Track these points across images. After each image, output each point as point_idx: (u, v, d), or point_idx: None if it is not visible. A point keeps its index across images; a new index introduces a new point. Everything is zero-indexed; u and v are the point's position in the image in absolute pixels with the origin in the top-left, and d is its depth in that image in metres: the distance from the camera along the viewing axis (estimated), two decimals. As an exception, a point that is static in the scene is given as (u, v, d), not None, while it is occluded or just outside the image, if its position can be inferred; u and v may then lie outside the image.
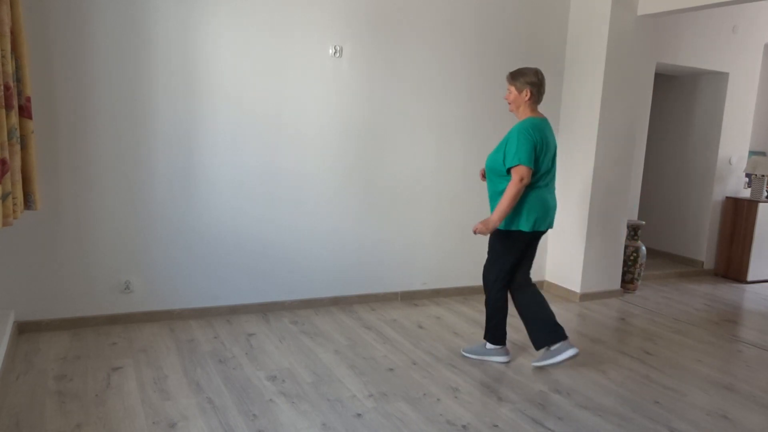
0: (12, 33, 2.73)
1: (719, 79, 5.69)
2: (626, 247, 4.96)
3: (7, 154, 2.56)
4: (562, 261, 4.80)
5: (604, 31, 4.36)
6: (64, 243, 3.37)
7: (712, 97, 5.77)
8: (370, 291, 4.26)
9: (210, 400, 2.65)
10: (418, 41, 4.12)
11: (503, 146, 3.05)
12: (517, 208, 3.03)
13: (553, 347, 3.14)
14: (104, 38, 3.30)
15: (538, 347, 3.20)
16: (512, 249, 3.12)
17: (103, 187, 3.41)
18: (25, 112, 2.89)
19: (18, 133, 2.78)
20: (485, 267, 3.25)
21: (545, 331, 3.16)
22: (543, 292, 4.84)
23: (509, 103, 3.11)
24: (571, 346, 3.12)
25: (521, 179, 2.93)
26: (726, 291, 5.27)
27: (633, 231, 5.01)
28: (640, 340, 3.80)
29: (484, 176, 3.26)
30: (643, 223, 5.03)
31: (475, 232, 3.04)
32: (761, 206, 5.53)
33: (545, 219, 3.10)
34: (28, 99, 2.89)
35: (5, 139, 2.53)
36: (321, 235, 4.04)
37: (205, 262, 3.73)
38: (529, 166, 2.93)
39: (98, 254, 3.46)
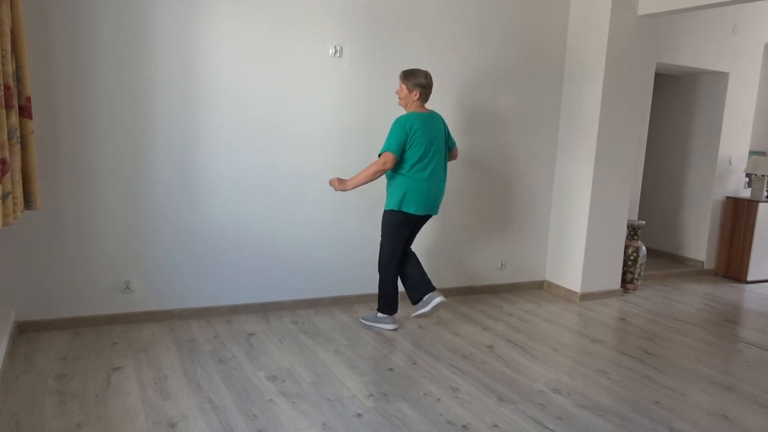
0: (12, 33, 2.73)
1: (719, 79, 5.68)
2: (626, 247, 4.96)
3: (7, 154, 2.56)
4: (562, 261, 4.80)
5: (604, 31, 4.36)
6: (64, 243, 3.37)
7: (712, 97, 5.77)
8: (370, 291, 4.26)
9: (210, 399, 2.65)
10: (418, 41, 4.12)
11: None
12: (407, 190, 3.49)
13: (425, 298, 3.62)
14: (104, 38, 3.30)
15: (414, 302, 3.69)
16: (401, 228, 3.60)
17: (103, 186, 3.42)
18: (25, 112, 2.89)
19: (18, 133, 2.79)
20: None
21: (416, 287, 3.67)
22: (543, 292, 4.85)
23: (399, 99, 3.56)
24: (439, 295, 3.60)
25: (384, 163, 3.43)
26: (726, 291, 5.27)
27: (633, 231, 5.01)
28: (640, 340, 3.80)
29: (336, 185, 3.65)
30: (643, 223, 5.03)
31: (330, 184, 3.58)
32: (761, 206, 5.53)
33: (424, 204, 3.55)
34: (28, 99, 2.89)
35: (5, 139, 2.53)
36: (321, 235, 4.04)
37: (205, 262, 3.73)
38: (394, 153, 3.43)
39: (98, 254, 3.46)
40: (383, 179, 4.06)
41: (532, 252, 4.87)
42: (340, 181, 3.56)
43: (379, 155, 3.47)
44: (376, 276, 4.25)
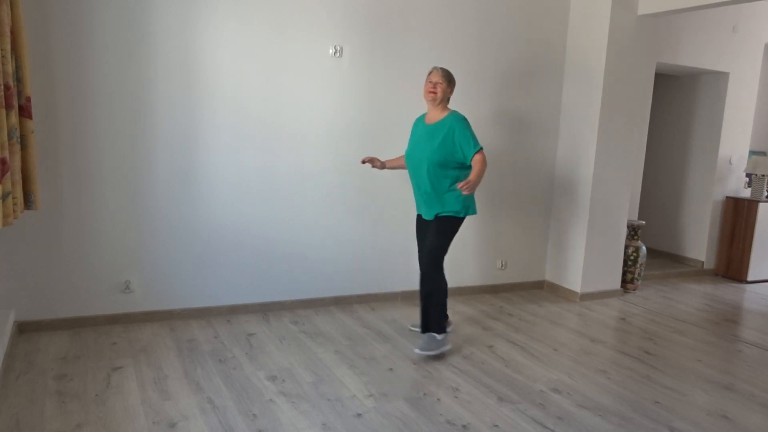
0: (12, 33, 2.73)
1: (719, 79, 5.69)
2: (626, 247, 4.96)
3: (7, 154, 2.56)
4: (562, 261, 4.80)
5: (604, 31, 4.36)
6: (64, 243, 3.37)
7: (712, 97, 5.77)
8: (370, 291, 4.26)
9: (210, 399, 2.65)
10: (418, 41, 4.12)
11: (449, 139, 3.25)
12: (470, 195, 3.34)
13: (440, 337, 3.34)
14: (104, 38, 3.30)
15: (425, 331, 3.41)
16: (455, 233, 3.41)
17: (103, 186, 3.42)
18: (25, 112, 2.89)
19: (18, 133, 2.79)
20: (430, 250, 3.35)
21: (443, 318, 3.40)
22: (543, 292, 4.85)
23: (434, 93, 3.29)
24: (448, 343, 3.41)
25: (485, 158, 3.25)
26: (726, 291, 5.27)
27: (633, 231, 5.01)
28: (640, 340, 3.80)
29: (374, 164, 3.55)
30: (643, 223, 5.03)
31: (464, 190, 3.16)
32: (761, 206, 5.53)
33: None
34: (28, 99, 2.89)
35: (5, 139, 2.53)
36: (321, 235, 4.04)
37: (205, 262, 3.73)
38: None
39: (98, 254, 3.46)
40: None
41: (532, 252, 4.87)
42: (469, 186, 3.09)
43: (471, 157, 3.20)
44: (376, 275, 4.26)
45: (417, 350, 3.26)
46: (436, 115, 3.34)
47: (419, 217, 3.52)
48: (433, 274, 3.31)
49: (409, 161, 3.42)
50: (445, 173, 3.28)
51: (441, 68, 3.34)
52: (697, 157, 5.91)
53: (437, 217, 3.34)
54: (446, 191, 3.30)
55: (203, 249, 3.71)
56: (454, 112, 3.33)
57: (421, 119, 3.47)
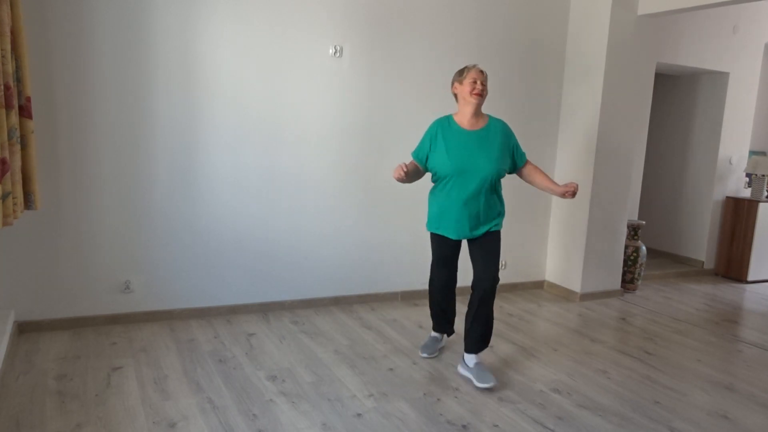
0: (12, 33, 2.73)
1: (719, 79, 5.69)
2: (626, 247, 4.96)
3: (7, 154, 2.56)
4: (562, 261, 4.80)
5: (604, 31, 4.36)
6: (64, 243, 3.37)
7: (712, 97, 5.77)
8: (370, 291, 4.26)
9: (210, 399, 2.65)
10: (418, 41, 4.12)
11: (506, 148, 2.95)
12: (503, 209, 3.07)
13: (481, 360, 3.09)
14: (104, 38, 3.30)
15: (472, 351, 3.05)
16: None
17: (103, 186, 3.42)
18: (25, 112, 2.89)
19: (18, 133, 2.79)
20: (496, 271, 2.99)
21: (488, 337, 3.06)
22: (543, 292, 4.85)
23: (481, 95, 2.89)
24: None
25: None
26: (726, 291, 5.27)
27: (633, 231, 5.01)
28: (640, 340, 3.80)
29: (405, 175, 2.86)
30: (643, 223, 5.03)
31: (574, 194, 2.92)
32: (761, 206, 5.53)
33: None
34: (28, 99, 2.89)
35: (5, 139, 2.53)
36: (321, 235, 4.04)
37: (205, 262, 3.73)
38: None
39: (98, 254, 3.46)
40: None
41: (532, 252, 4.87)
42: (575, 190, 2.91)
43: (522, 167, 3.05)
44: (376, 275, 4.26)
45: (487, 385, 2.88)
46: (478, 120, 2.95)
47: (445, 238, 3.08)
48: (493, 294, 2.99)
49: (460, 174, 2.88)
50: (497, 186, 2.98)
51: (484, 70, 3.03)
52: (697, 157, 5.91)
53: (492, 235, 2.99)
54: (495, 206, 2.99)
55: (203, 249, 3.71)
56: (492, 116, 3.02)
57: (449, 123, 2.97)
